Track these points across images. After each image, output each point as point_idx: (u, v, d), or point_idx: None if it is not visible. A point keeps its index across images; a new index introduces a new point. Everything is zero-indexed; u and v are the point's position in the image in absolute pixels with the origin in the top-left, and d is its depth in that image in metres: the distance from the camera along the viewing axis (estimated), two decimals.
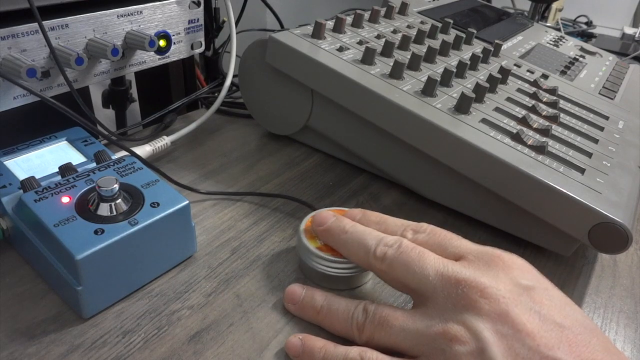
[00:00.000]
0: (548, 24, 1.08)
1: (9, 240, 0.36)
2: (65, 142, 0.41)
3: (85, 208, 0.33)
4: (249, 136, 0.56)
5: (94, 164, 0.38)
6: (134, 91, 0.68)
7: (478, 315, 0.26)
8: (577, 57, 0.68)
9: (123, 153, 0.40)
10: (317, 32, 0.48)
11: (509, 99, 0.48)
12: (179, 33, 0.51)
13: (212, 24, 0.73)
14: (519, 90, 0.51)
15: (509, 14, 0.78)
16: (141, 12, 0.46)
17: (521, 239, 0.41)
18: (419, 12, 0.66)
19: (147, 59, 0.49)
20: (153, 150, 0.48)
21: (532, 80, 0.55)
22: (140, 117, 0.68)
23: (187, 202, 0.35)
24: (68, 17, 0.41)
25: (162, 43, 0.49)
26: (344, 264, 0.34)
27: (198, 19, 0.52)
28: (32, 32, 0.39)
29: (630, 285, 0.39)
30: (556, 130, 0.45)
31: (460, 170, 0.40)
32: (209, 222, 0.41)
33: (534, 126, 0.44)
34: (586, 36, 1.08)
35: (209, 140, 0.54)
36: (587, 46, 0.74)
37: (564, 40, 0.74)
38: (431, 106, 0.42)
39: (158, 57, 0.50)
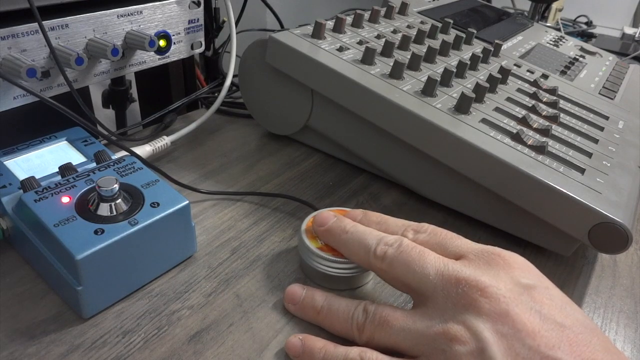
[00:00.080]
0: (548, 24, 1.08)
1: (9, 240, 0.36)
2: (65, 142, 0.41)
3: (85, 208, 0.33)
4: (249, 136, 0.56)
5: (94, 164, 0.38)
6: (134, 91, 0.68)
7: (478, 314, 0.26)
8: (577, 57, 0.68)
9: (123, 153, 0.40)
10: (317, 32, 0.48)
11: (509, 99, 0.48)
12: (179, 33, 0.51)
13: (212, 24, 0.73)
14: (519, 90, 0.51)
15: (509, 14, 0.78)
16: (141, 12, 0.46)
17: (521, 239, 0.41)
18: (419, 12, 0.66)
19: (147, 59, 0.49)
20: (153, 150, 0.48)
21: (532, 80, 0.55)
22: (140, 117, 0.68)
23: (187, 202, 0.35)
24: (68, 17, 0.41)
25: (162, 43, 0.49)
26: (345, 264, 0.34)
27: (198, 19, 0.52)
28: (32, 32, 0.39)
29: (630, 285, 0.39)
30: (556, 130, 0.45)
31: (460, 170, 0.40)
32: (209, 222, 0.41)
33: (534, 126, 0.44)
34: (586, 36, 1.08)
35: (209, 140, 0.54)
36: (587, 46, 0.74)
37: (564, 40, 0.74)
38: (431, 106, 0.42)
39: (158, 57, 0.50)
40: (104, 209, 0.32)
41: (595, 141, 0.45)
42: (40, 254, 0.32)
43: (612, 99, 0.57)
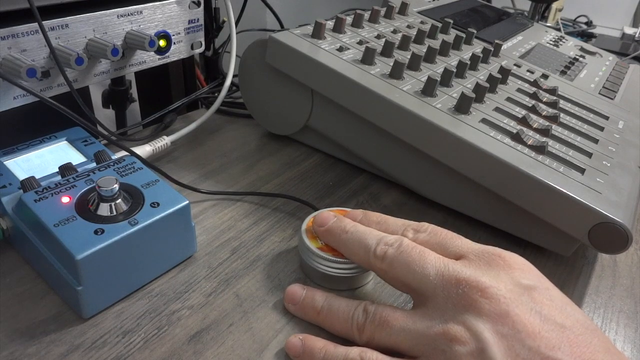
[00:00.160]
0: (548, 24, 1.08)
1: (9, 240, 0.36)
2: (65, 142, 0.41)
3: (85, 208, 0.33)
4: (249, 136, 0.56)
5: (94, 164, 0.38)
6: (134, 91, 0.68)
7: (478, 315, 0.26)
8: (577, 57, 0.68)
9: (123, 153, 0.40)
10: (317, 32, 0.48)
11: (509, 99, 0.48)
12: (179, 33, 0.51)
13: (212, 24, 0.73)
14: (519, 90, 0.51)
15: (509, 14, 0.78)
16: (141, 12, 0.46)
17: (521, 239, 0.41)
18: (419, 12, 0.66)
19: (147, 59, 0.49)
20: (153, 150, 0.48)
21: (532, 80, 0.55)
22: (140, 117, 0.68)
23: (187, 202, 0.35)
24: (68, 17, 0.41)
25: (162, 43, 0.49)
26: (345, 264, 0.34)
27: (198, 19, 0.52)
28: (32, 32, 0.39)
29: (630, 285, 0.39)
30: (556, 130, 0.45)
31: (460, 170, 0.40)
32: (209, 222, 0.41)
33: (534, 126, 0.44)
34: (586, 36, 1.08)
35: (209, 140, 0.54)
36: (587, 46, 0.74)
37: (564, 40, 0.74)
38: (431, 106, 0.42)
39: (158, 57, 0.50)
40: (104, 209, 0.32)
41: (595, 141, 0.45)
42: (40, 254, 0.32)
43: (612, 99, 0.57)
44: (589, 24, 1.16)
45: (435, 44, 0.54)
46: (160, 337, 0.31)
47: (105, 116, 0.70)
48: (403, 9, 0.63)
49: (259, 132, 0.57)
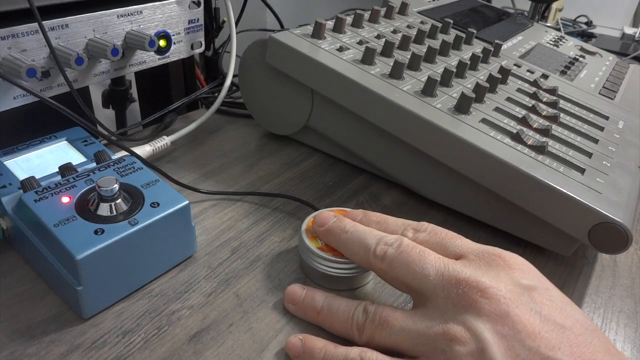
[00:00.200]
0: (548, 24, 1.08)
1: (9, 240, 0.36)
2: (65, 142, 0.41)
3: (85, 208, 0.33)
4: (249, 136, 0.56)
5: (94, 164, 0.38)
6: (134, 91, 0.68)
7: (478, 315, 0.26)
8: (577, 57, 0.68)
9: (123, 153, 0.40)
10: (317, 32, 0.48)
11: (509, 99, 0.48)
12: (179, 33, 0.51)
13: (212, 24, 0.73)
14: (519, 90, 0.51)
15: (509, 14, 0.78)
16: (141, 12, 0.46)
17: (521, 239, 0.41)
18: (419, 12, 0.66)
19: (147, 59, 0.49)
20: (153, 150, 0.48)
21: (532, 80, 0.55)
22: (140, 117, 0.68)
23: (187, 202, 0.35)
24: (68, 17, 0.41)
25: (162, 43, 0.49)
26: (345, 264, 0.34)
27: (198, 19, 0.52)
28: (32, 32, 0.39)
29: (630, 285, 0.39)
30: (556, 130, 0.45)
31: (460, 170, 0.40)
32: (209, 222, 0.41)
33: (534, 126, 0.44)
34: (586, 36, 1.08)
35: (209, 140, 0.54)
36: (587, 46, 0.74)
37: (564, 40, 0.74)
38: (431, 106, 0.42)
39: (158, 57, 0.50)
40: (104, 209, 0.32)
41: (595, 141, 0.45)
42: (40, 254, 0.32)
43: (612, 99, 0.57)
44: (589, 24, 1.16)
45: (435, 44, 0.54)
46: (160, 337, 0.31)
47: (105, 116, 0.70)
48: (403, 9, 0.63)
49: (259, 132, 0.57)
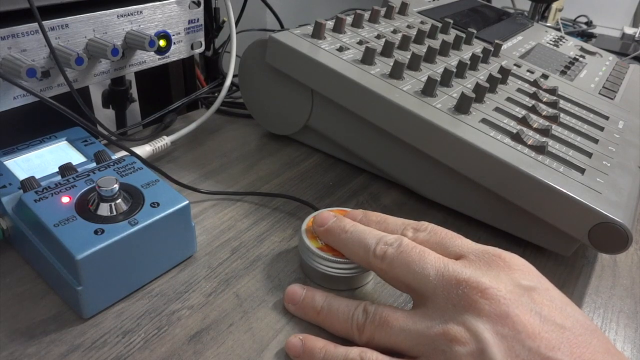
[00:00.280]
0: (548, 24, 1.08)
1: (9, 240, 0.36)
2: (65, 142, 0.41)
3: (85, 208, 0.33)
4: (249, 136, 0.56)
5: (94, 164, 0.38)
6: (134, 91, 0.68)
7: (478, 316, 0.26)
8: (577, 57, 0.68)
9: (123, 153, 0.40)
10: (317, 32, 0.48)
11: (509, 99, 0.48)
12: (179, 33, 0.51)
13: (212, 24, 0.73)
14: (519, 90, 0.51)
15: (509, 14, 0.78)
16: (141, 12, 0.46)
17: (521, 239, 0.41)
18: (419, 12, 0.66)
19: (147, 59, 0.49)
20: (153, 150, 0.48)
21: (532, 80, 0.55)
22: (140, 117, 0.68)
23: (187, 202, 0.35)
24: (68, 17, 0.41)
25: (162, 43, 0.49)
26: (345, 264, 0.34)
27: (198, 19, 0.52)
28: (32, 32, 0.39)
29: (630, 285, 0.39)
30: (556, 130, 0.45)
31: (460, 170, 0.40)
32: (209, 222, 0.41)
33: (534, 126, 0.44)
34: (586, 36, 1.08)
35: (209, 140, 0.54)
36: (587, 46, 0.74)
37: (564, 40, 0.74)
38: (431, 106, 0.42)
39: (158, 57, 0.50)
40: (104, 209, 0.32)
41: (595, 141, 0.45)
42: (40, 254, 0.32)
43: (612, 99, 0.57)
44: (589, 24, 1.16)
45: (435, 44, 0.54)
46: (160, 337, 0.31)
47: (105, 116, 0.70)
48: (403, 9, 0.63)
49: (259, 132, 0.57)
